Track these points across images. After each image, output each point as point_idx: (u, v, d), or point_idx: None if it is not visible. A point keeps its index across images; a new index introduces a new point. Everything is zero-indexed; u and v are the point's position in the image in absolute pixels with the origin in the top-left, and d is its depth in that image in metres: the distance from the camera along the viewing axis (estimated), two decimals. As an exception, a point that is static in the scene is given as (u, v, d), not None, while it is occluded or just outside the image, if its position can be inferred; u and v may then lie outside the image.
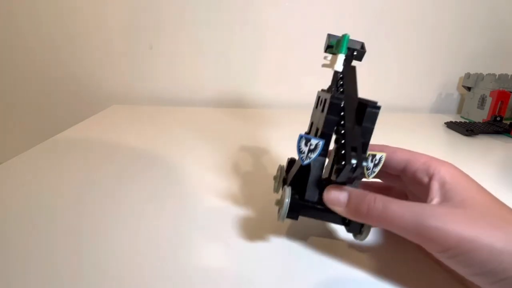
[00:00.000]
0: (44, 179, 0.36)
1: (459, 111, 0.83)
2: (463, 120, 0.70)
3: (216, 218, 0.30)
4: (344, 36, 0.23)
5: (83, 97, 0.74)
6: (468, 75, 0.72)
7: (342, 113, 0.23)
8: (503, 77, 0.67)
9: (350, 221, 0.24)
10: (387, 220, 0.20)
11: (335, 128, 0.23)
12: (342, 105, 0.23)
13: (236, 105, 0.76)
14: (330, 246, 0.26)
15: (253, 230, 0.28)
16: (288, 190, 0.24)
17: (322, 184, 0.24)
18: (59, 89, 0.73)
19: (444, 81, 0.81)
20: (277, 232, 0.28)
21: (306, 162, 0.22)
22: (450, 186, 0.21)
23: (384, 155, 0.22)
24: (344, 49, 0.23)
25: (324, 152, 0.23)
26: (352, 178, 0.21)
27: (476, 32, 0.77)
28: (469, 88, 0.73)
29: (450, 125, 0.65)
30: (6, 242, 0.26)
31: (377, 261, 0.25)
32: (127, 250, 0.25)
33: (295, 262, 0.25)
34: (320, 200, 0.23)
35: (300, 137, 0.22)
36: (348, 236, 0.27)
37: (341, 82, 0.26)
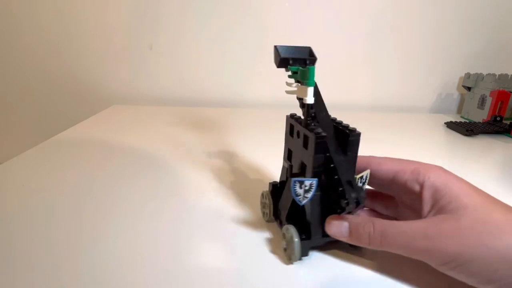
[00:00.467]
0: (44, 179, 0.36)
1: (459, 111, 0.83)
2: (463, 120, 0.70)
3: (216, 218, 0.30)
4: (309, 68, 0.23)
5: (83, 97, 0.74)
6: (468, 75, 0.72)
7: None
8: (503, 77, 0.67)
9: None
10: (386, 246, 0.22)
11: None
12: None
13: (236, 105, 0.76)
14: (330, 246, 0.26)
15: (252, 230, 0.28)
16: (294, 232, 0.24)
17: (323, 216, 0.24)
18: (59, 89, 0.73)
19: (444, 81, 0.81)
20: (277, 232, 0.28)
21: (304, 202, 0.23)
22: (442, 193, 0.21)
23: (368, 171, 0.24)
24: (313, 81, 0.23)
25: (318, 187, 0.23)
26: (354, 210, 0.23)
27: (476, 32, 0.77)
28: (469, 88, 0.73)
29: (450, 125, 0.65)
30: (6, 242, 0.26)
31: (378, 261, 0.25)
32: (127, 249, 0.25)
33: (296, 262, 0.25)
34: (324, 232, 0.24)
35: (294, 181, 0.22)
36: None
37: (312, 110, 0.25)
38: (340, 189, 0.22)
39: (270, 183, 0.30)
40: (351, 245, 0.25)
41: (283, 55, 0.25)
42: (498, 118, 0.66)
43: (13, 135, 0.77)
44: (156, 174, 0.39)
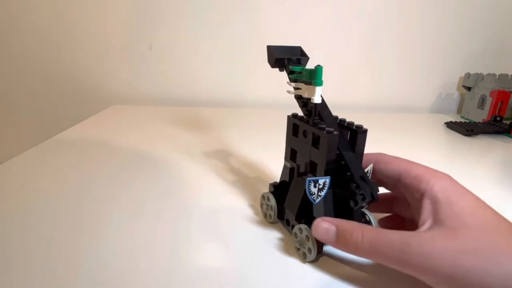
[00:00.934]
0: (44, 179, 0.36)
1: (459, 111, 0.83)
2: (463, 120, 0.70)
3: (216, 218, 0.30)
4: (317, 68, 0.22)
5: (83, 97, 0.74)
6: (468, 75, 0.72)
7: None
8: (503, 77, 0.67)
9: None
10: (375, 257, 0.21)
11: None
12: None
13: (236, 105, 0.76)
14: (330, 246, 0.26)
15: (252, 230, 0.28)
16: (309, 232, 0.24)
17: (335, 213, 0.24)
18: (59, 89, 0.73)
19: (444, 81, 0.81)
20: (277, 232, 0.28)
21: (318, 200, 0.24)
22: (443, 207, 0.20)
23: (371, 166, 0.24)
24: (321, 81, 0.23)
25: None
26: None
27: (476, 32, 0.77)
28: (469, 88, 0.73)
29: (450, 125, 0.65)
30: (6, 242, 0.26)
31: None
32: (127, 249, 0.25)
33: (296, 262, 0.25)
34: None
35: (309, 181, 0.23)
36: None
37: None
38: (354, 184, 0.22)
39: (270, 184, 0.30)
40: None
41: (277, 55, 0.26)
42: (498, 118, 0.66)
43: (13, 135, 0.77)
44: (156, 174, 0.39)
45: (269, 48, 0.26)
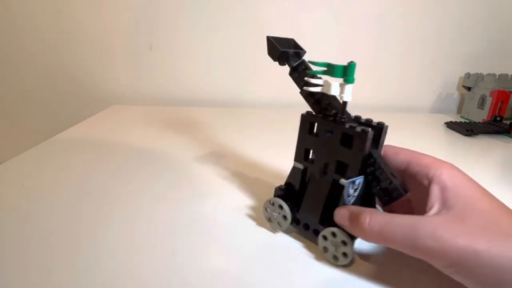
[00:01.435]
0: (44, 179, 0.36)
1: (459, 111, 0.83)
2: (463, 120, 0.70)
3: (216, 218, 0.30)
4: (350, 64, 0.22)
5: (83, 97, 0.74)
6: (468, 75, 0.72)
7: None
8: (503, 77, 0.67)
9: None
10: (385, 241, 0.21)
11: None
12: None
13: (236, 105, 0.76)
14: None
15: (252, 230, 0.28)
16: (345, 235, 0.23)
17: None
18: (59, 89, 0.73)
19: (444, 81, 0.81)
20: (277, 232, 0.28)
21: (352, 201, 0.24)
22: (451, 193, 0.21)
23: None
24: (353, 78, 0.22)
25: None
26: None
27: (476, 32, 0.77)
28: (469, 88, 0.73)
29: (450, 125, 0.65)
30: (6, 242, 0.26)
31: (379, 261, 0.25)
32: (127, 249, 0.25)
33: (296, 262, 0.25)
34: None
35: (349, 183, 0.23)
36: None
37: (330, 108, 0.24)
38: (388, 181, 0.22)
39: (277, 187, 0.28)
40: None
41: (282, 48, 0.25)
42: (498, 118, 0.66)
43: (13, 135, 0.77)
44: (155, 174, 0.39)
45: (270, 39, 0.25)
